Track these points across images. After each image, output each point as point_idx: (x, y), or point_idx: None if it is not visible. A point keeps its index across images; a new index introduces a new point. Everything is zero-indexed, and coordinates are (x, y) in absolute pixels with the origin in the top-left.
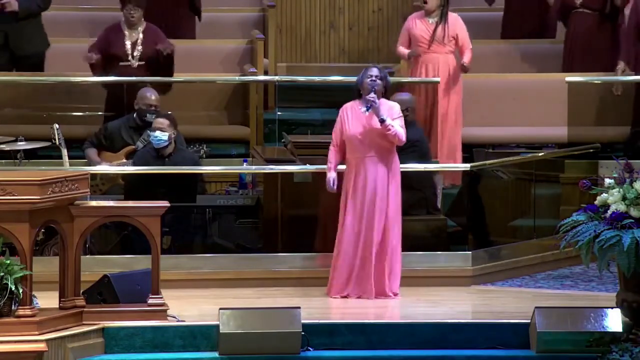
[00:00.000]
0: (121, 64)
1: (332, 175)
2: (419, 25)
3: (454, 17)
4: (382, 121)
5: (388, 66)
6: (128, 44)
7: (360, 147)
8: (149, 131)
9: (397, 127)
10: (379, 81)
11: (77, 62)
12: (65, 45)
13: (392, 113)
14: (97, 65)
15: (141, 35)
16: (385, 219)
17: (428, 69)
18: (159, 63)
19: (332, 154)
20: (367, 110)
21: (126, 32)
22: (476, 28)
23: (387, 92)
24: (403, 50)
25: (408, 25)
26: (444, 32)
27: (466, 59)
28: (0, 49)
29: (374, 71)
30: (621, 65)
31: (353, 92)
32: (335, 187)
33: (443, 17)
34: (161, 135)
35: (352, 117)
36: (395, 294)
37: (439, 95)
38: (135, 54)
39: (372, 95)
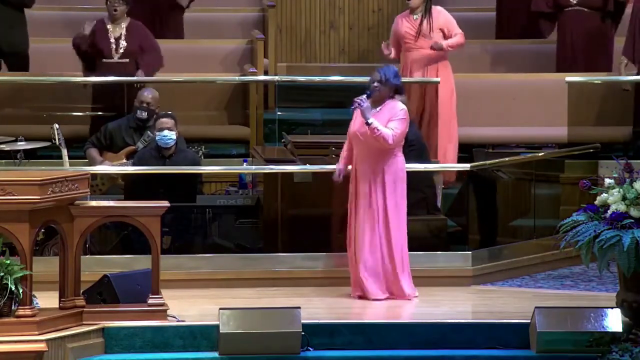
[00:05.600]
0: (105, 60)
1: (338, 166)
2: (404, 23)
3: (437, 10)
4: (367, 124)
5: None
6: (112, 39)
7: (359, 146)
8: (149, 132)
9: (384, 129)
10: (380, 85)
11: (76, 62)
12: (66, 45)
13: (391, 113)
14: (85, 46)
15: (124, 31)
16: (380, 220)
17: (415, 66)
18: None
19: (344, 150)
20: (352, 110)
21: (109, 27)
22: (469, 28)
23: (397, 92)
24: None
25: (394, 24)
26: (429, 25)
27: (449, 40)
28: None
29: (375, 76)
30: (624, 59)
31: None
32: (340, 177)
33: (427, 12)
34: (170, 135)
35: (357, 117)
36: (404, 296)
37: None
38: (119, 49)
39: (360, 97)
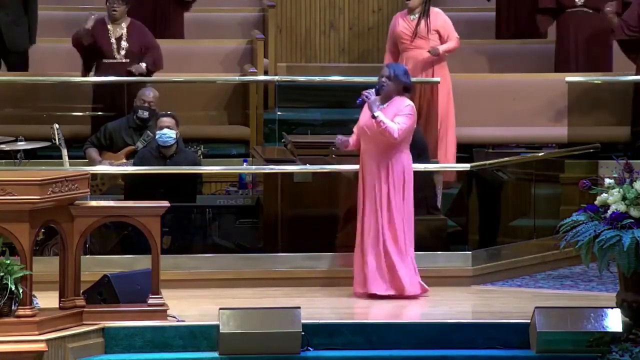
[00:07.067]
0: (106, 60)
1: (344, 137)
2: (401, 23)
3: (435, 12)
4: (373, 116)
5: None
6: (113, 39)
7: (366, 141)
8: (148, 131)
9: (390, 123)
10: (388, 81)
11: (76, 62)
12: (65, 45)
13: (398, 109)
14: (88, 41)
15: (125, 32)
16: (388, 217)
17: (410, 65)
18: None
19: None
20: (359, 103)
21: (110, 27)
22: (470, 28)
23: (406, 90)
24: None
25: (391, 24)
26: (426, 26)
27: (444, 45)
28: None
29: (385, 71)
30: (612, 7)
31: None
32: (341, 142)
33: (425, 13)
34: (170, 133)
35: (365, 111)
36: (407, 295)
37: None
38: (121, 50)
39: (368, 90)
